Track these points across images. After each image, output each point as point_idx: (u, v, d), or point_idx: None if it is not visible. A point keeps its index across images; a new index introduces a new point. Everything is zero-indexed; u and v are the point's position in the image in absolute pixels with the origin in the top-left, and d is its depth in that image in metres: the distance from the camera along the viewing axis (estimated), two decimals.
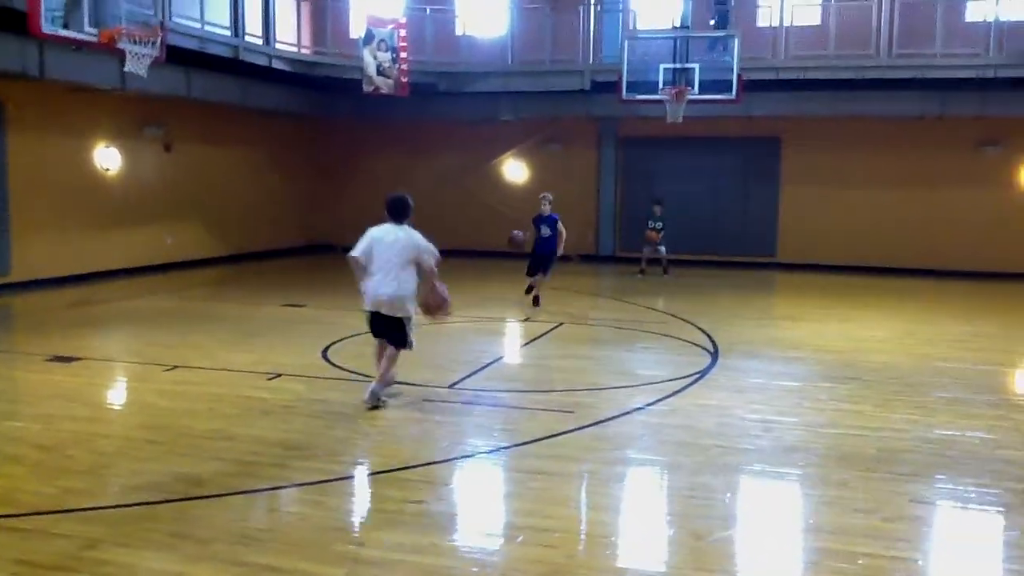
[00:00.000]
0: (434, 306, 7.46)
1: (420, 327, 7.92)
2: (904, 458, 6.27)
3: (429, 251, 7.26)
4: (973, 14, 17.10)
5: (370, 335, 7.55)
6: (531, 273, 12.95)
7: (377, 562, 4.56)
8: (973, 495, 5.61)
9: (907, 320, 12.72)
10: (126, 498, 5.29)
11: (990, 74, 16.19)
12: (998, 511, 5.41)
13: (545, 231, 12.73)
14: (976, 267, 18.16)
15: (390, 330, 7.23)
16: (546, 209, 12.82)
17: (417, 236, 7.32)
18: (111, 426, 7.08)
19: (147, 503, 5.21)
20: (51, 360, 9.04)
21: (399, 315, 7.19)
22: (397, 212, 7.36)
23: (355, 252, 7.39)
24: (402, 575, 4.41)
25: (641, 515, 5.43)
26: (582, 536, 4.99)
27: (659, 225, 17.60)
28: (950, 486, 5.78)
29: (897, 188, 18.93)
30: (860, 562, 4.57)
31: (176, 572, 4.31)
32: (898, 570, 4.50)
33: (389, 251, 7.20)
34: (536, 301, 12.88)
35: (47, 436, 6.52)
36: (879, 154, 18.92)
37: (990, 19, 16.31)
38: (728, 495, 5.62)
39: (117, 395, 8.35)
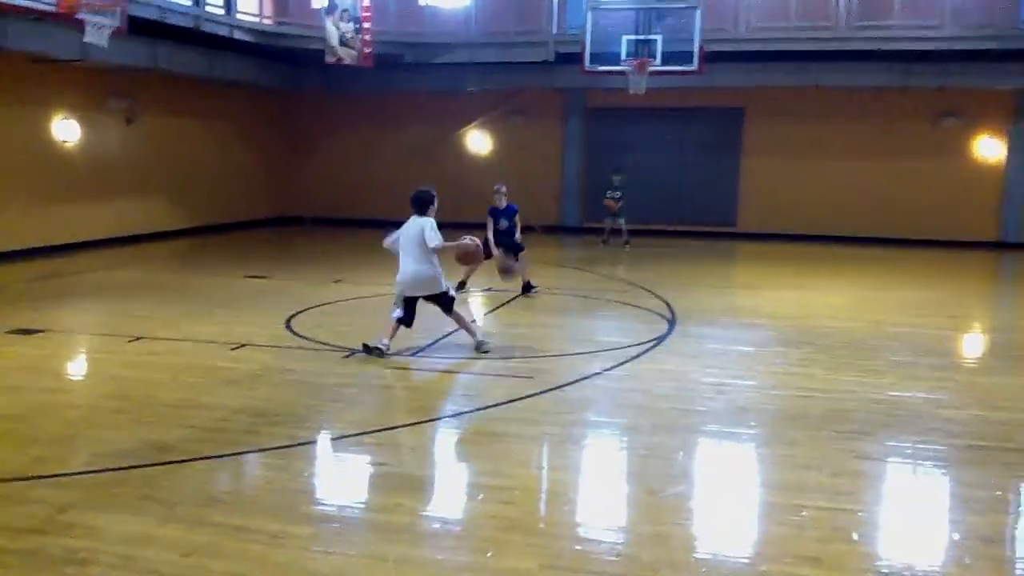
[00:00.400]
0: (464, 256, 8.57)
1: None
2: (851, 417, 6.53)
3: (430, 226, 7.96)
4: None
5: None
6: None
7: (343, 520, 4.74)
8: (915, 451, 5.88)
9: (863, 288, 13.06)
10: (95, 464, 5.40)
11: (948, 46, 16.48)
12: (938, 466, 5.69)
13: (503, 224, 11.55)
14: (935, 236, 18.61)
15: (432, 303, 8.26)
16: (502, 201, 11.61)
17: (425, 221, 8.02)
18: (78, 396, 7.16)
19: (116, 469, 5.33)
20: (14, 333, 9.05)
21: (425, 293, 8.13)
22: (417, 205, 8.15)
23: (385, 243, 8.31)
24: (367, 533, 4.59)
25: (598, 474, 5.64)
26: (541, 494, 5.19)
27: (617, 195, 17.76)
28: (893, 443, 6.04)
29: (858, 159, 19.26)
30: (804, 514, 4.81)
31: (145, 533, 4.44)
32: (840, 520, 4.74)
33: (406, 239, 8.06)
34: (528, 288, 11.70)
35: (15, 406, 6.59)
36: (841, 125, 19.23)
37: None
38: (682, 454, 5.85)
39: (83, 366, 8.42)
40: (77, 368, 8.35)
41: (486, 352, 8.26)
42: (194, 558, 4.18)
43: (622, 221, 17.75)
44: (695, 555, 4.38)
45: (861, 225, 19.07)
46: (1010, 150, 18.56)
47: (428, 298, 8.19)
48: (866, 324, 10.23)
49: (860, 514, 4.91)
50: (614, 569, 4.19)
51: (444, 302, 8.21)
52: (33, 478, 5.19)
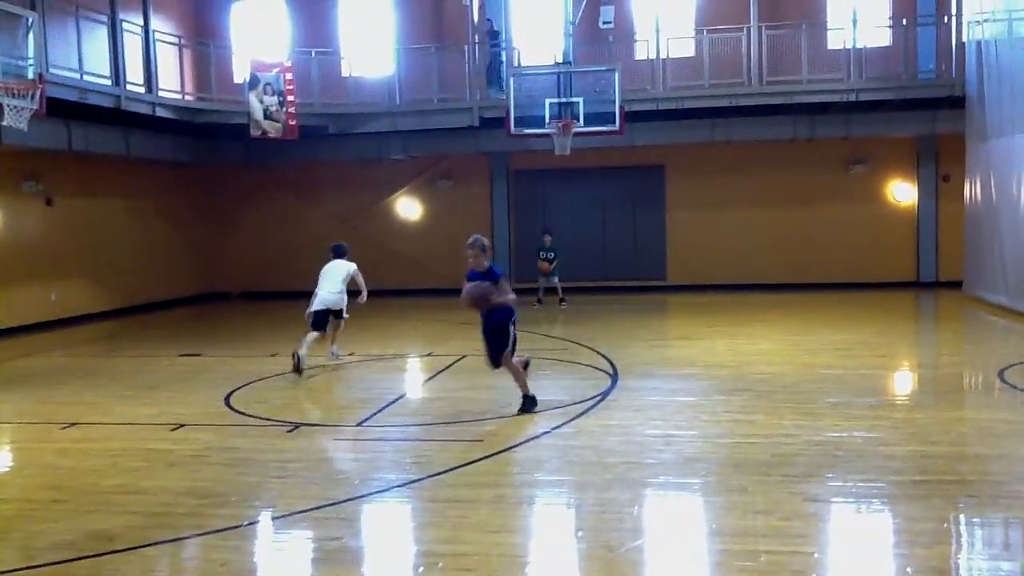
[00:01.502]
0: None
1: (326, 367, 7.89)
2: (796, 461, 6.66)
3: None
4: (834, 41, 18.23)
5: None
6: (495, 361, 8.40)
7: None
8: (861, 489, 6.02)
9: (791, 332, 13.40)
10: (37, 559, 5.17)
11: (853, 97, 17.30)
12: (884, 502, 5.83)
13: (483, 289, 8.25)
14: (851, 279, 19.27)
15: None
16: (482, 262, 8.27)
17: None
18: (10, 489, 6.87)
19: (59, 562, 5.11)
20: None
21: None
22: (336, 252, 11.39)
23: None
24: None
25: (554, 533, 5.63)
26: (501, 558, 5.15)
27: (551, 255, 17.91)
28: (839, 483, 6.17)
29: (775, 208, 19.92)
30: (762, 559, 4.87)
31: None
32: (797, 564, 4.81)
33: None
34: (525, 365, 8.72)
35: None
36: (757, 176, 19.90)
37: (849, 45, 17.43)
38: (636, 508, 5.88)
39: (13, 457, 8.08)
40: (7, 459, 8.02)
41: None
42: None
43: (556, 280, 17.90)
44: None
45: (784, 272, 19.63)
46: (920, 193, 19.42)
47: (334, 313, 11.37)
48: (798, 368, 10.49)
49: (816, 556, 4.99)
50: None
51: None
52: None
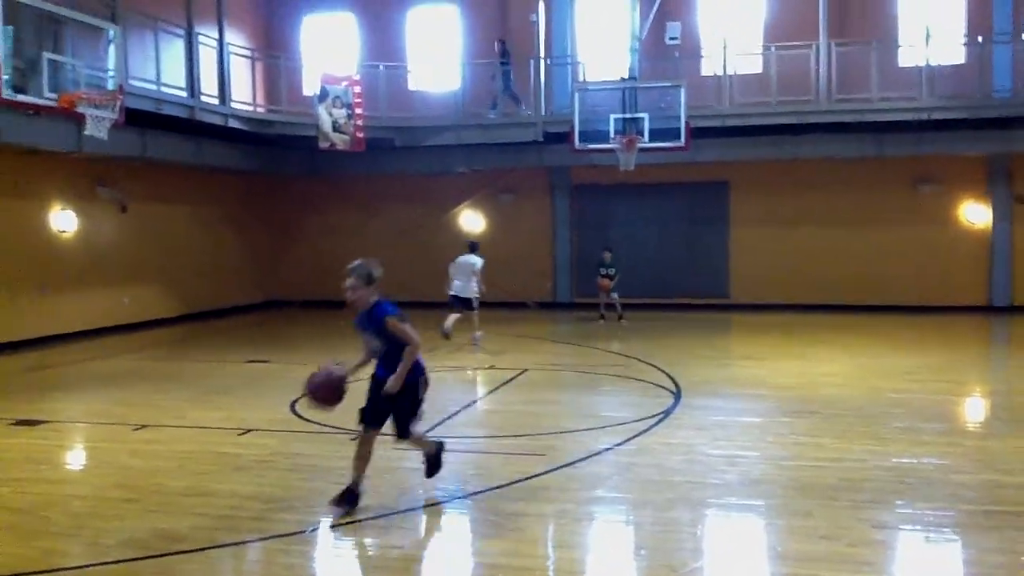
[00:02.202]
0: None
1: None
2: (864, 486, 6.52)
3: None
4: (906, 59, 17.90)
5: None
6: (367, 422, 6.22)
7: None
8: (930, 518, 5.87)
9: (858, 355, 13.12)
10: (107, 555, 5.31)
11: (924, 116, 16.94)
12: (954, 532, 5.67)
13: (373, 343, 6.15)
14: (917, 301, 18.81)
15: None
16: (365, 298, 6.03)
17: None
18: (84, 487, 7.06)
19: (127, 560, 5.24)
20: (15, 424, 8.97)
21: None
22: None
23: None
24: None
25: (615, 551, 5.59)
26: (560, 573, 5.13)
27: (611, 271, 17.80)
28: (908, 510, 6.03)
29: (841, 227, 19.56)
30: None
31: None
32: None
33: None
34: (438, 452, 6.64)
35: (20, 499, 6.50)
36: (822, 195, 19.58)
37: (922, 64, 17.09)
38: (698, 528, 5.81)
39: (87, 456, 8.32)
40: (82, 458, 8.25)
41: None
42: None
43: (615, 296, 17.79)
44: None
45: (851, 292, 19.25)
46: (995, 214, 18.90)
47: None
48: (866, 391, 10.27)
49: None
50: None
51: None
52: (42, 572, 5.10)
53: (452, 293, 14.36)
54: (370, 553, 5.54)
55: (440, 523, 6.10)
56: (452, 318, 14.04)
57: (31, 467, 7.41)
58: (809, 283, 19.54)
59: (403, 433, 6.19)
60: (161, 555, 5.33)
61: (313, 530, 5.80)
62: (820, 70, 17.23)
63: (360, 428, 6.17)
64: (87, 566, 5.20)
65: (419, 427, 6.31)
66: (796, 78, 17.47)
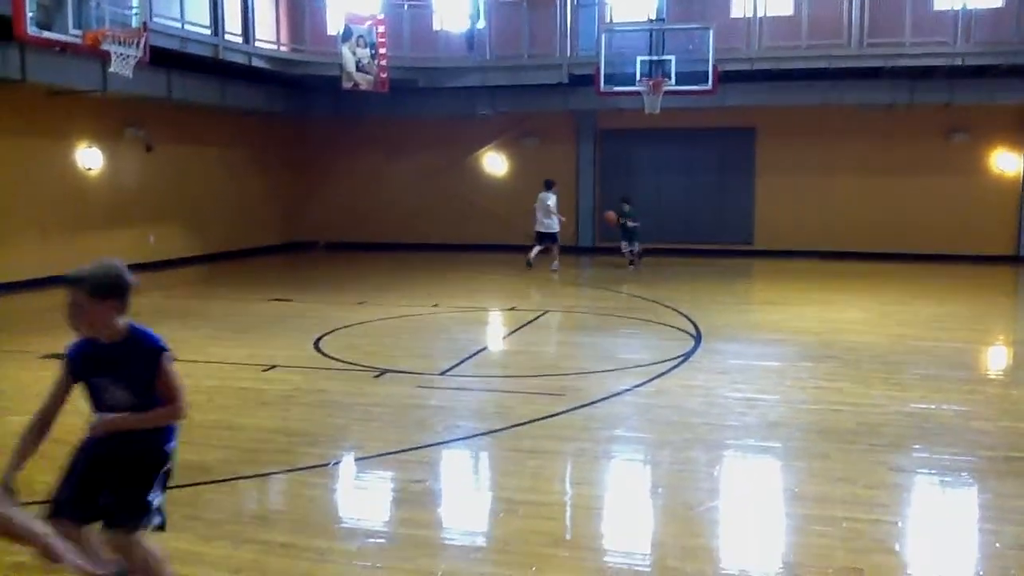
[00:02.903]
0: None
1: (414, 316, 7.99)
2: (882, 431, 6.54)
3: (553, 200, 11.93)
4: (941, 3, 17.45)
5: None
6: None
7: (387, 536, 4.78)
8: (948, 463, 5.88)
9: (882, 303, 13.06)
10: None
11: (958, 62, 16.58)
12: (971, 477, 5.69)
13: (116, 395, 3.73)
14: (946, 250, 18.61)
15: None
16: (106, 321, 3.65)
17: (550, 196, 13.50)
18: None
19: None
20: (45, 358, 9.15)
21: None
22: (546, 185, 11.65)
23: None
24: (412, 548, 4.62)
25: (634, 489, 5.67)
26: (578, 508, 5.22)
27: (628, 222, 17.38)
28: (926, 455, 6.05)
29: (869, 175, 19.32)
30: (843, 525, 4.83)
31: (192, 551, 4.48)
32: (878, 532, 4.75)
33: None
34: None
35: (54, 429, 6.64)
36: (851, 142, 19.31)
37: (958, 7, 16.66)
38: (716, 468, 5.87)
39: None
40: None
41: None
42: (244, 575, 4.23)
43: (628, 245, 17.55)
44: (735, 568, 4.39)
45: (877, 241, 19.09)
46: None
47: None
48: (889, 339, 10.24)
49: (898, 525, 4.93)
50: None
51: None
52: None
53: (536, 229, 16.48)
54: (391, 486, 5.65)
55: (460, 459, 6.20)
56: (535, 249, 16.32)
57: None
58: (835, 231, 19.38)
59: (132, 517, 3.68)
60: (191, 484, 5.45)
61: (336, 463, 5.92)
62: (852, 13, 16.86)
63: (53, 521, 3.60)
64: None
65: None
66: (828, 21, 17.10)
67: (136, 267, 14.26)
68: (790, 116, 19.09)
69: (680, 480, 5.64)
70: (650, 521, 5.09)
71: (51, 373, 8.29)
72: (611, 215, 17.59)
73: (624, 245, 17.72)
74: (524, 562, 4.43)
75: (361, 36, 17.05)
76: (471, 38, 18.37)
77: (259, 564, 4.34)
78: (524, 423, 6.73)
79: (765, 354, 9.37)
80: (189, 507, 5.10)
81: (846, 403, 7.31)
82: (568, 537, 4.72)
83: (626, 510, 5.28)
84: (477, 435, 6.53)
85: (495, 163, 21.31)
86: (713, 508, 5.18)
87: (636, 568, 4.37)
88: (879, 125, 18.98)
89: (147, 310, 12.61)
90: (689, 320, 11.16)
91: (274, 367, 8.59)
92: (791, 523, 5.02)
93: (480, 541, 4.72)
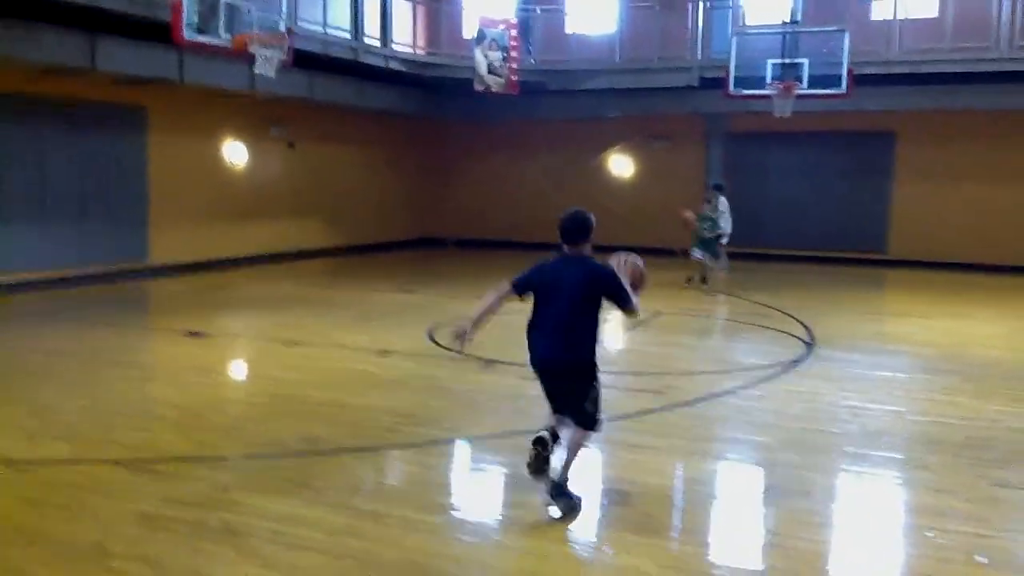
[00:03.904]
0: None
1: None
2: (991, 445, 6.33)
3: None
4: None
5: None
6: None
7: (473, 512, 5.04)
8: None
9: (1019, 317, 12.44)
10: (252, 451, 5.92)
11: None
12: None
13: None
14: None
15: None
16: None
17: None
18: (238, 392, 7.81)
19: (270, 456, 5.82)
20: (186, 335, 9.90)
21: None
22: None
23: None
24: (495, 524, 4.86)
25: (724, 485, 5.71)
26: (667, 501, 5.32)
27: (706, 226, 14.92)
28: None
29: (1015, 184, 18.32)
30: (930, 535, 4.77)
31: (294, 513, 4.85)
32: (969, 544, 4.65)
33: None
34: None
35: (183, 399, 7.25)
36: (995, 149, 18.36)
37: None
38: (807, 472, 5.84)
39: (243, 367, 9.13)
40: (239, 368, 9.06)
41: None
42: (336, 537, 4.55)
43: (699, 255, 14.91)
44: (822, 569, 4.41)
45: (1019, 253, 18.07)
46: None
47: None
48: (1020, 354, 9.78)
49: (993, 540, 4.80)
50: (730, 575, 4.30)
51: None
52: (197, 459, 5.73)
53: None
54: (486, 468, 5.91)
55: (556, 448, 6.36)
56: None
57: (195, 372, 8.21)
58: (976, 241, 18.47)
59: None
60: (299, 454, 5.88)
61: (436, 443, 6.20)
62: (1002, 14, 16.06)
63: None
64: (236, 459, 5.81)
65: None
66: (975, 23, 16.36)
67: (274, 256, 15.29)
68: (933, 120, 18.32)
69: (772, 480, 5.67)
70: (738, 518, 5.14)
71: (191, 350, 9.08)
72: (689, 216, 15.02)
73: (696, 253, 14.95)
74: (603, 545, 4.59)
75: (494, 39, 17.45)
76: None
77: (352, 528, 4.66)
78: (622, 418, 6.84)
79: (880, 364, 9.12)
80: (297, 474, 5.50)
81: (958, 416, 7.08)
82: (651, 526, 4.82)
83: (714, 505, 5.34)
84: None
85: (624, 165, 21.36)
86: (803, 510, 5.17)
87: (715, 562, 4.46)
88: None
89: (281, 296, 13.47)
90: (805, 327, 10.96)
91: (390, 353, 9.01)
92: (884, 530, 4.97)
93: (556, 523, 4.89)
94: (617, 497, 5.27)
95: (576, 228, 5.07)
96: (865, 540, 4.81)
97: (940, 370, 8.86)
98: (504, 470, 5.74)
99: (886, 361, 9.34)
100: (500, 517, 5.03)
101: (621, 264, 5.18)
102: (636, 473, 5.70)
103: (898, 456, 6.15)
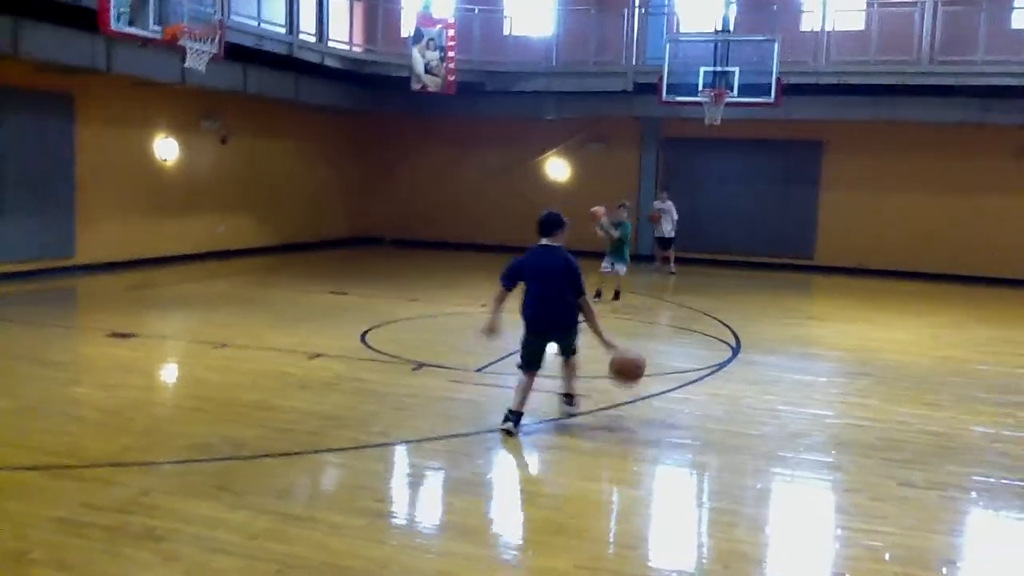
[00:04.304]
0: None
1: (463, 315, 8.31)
2: (901, 447, 6.61)
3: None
4: (1019, 21, 17.11)
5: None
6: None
7: (398, 516, 5.10)
8: (961, 481, 5.94)
9: (935, 324, 12.92)
10: (176, 455, 5.88)
11: None
12: (984, 496, 5.73)
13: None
14: (1011, 275, 18.19)
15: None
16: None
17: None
18: (164, 394, 7.72)
19: (194, 460, 5.79)
20: (111, 336, 9.73)
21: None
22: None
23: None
24: (418, 528, 4.92)
25: (642, 486, 5.86)
26: (586, 502, 5.44)
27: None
28: (939, 472, 6.09)
29: (936, 194, 19.00)
30: (839, 533, 4.97)
31: (216, 517, 4.85)
32: (872, 540, 4.87)
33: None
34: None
35: (108, 401, 7.16)
36: (920, 159, 19.02)
37: None
38: (724, 473, 6.03)
39: (170, 368, 9.01)
40: (165, 370, 8.95)
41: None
42: (259, 540, 4.57)
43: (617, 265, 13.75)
44: (737, 568, 4.57)
45: (942, 261, 18.74)
46: None
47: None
48: (932, 360, 10.18)
49: (897, 538, 5.02)
50: (647, 573, 4.43)
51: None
52: (120, 464, 5.68)
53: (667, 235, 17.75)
54: (411, 471, 5.97)
55: (480, 450, 6.44)
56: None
57: (120, 374, 8.09)
58: (899, 249, 19.11)
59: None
60: (224, 459, 5.86)
61: (362, 447, 6.23)
62: (924, 30, 16.65)
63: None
64: (160, 463, 5.77)
65: None
66: (899, 37, 16.94)
67: (207, 255, 15.13)
68: (858, 130, 18.90)
69: (689, 481, 5.84)
70: (653, 518, 5.29)
71: (117, 350, 8.95)
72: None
73: (607, 264, 13.63)
74: (521, 547, 4.69)
75: (432, 39, 17.48)
76: None
77: (275, 532, 4.68)
78: (547, 421, 6.97)
79: (800, 368, 9.42)
80: (221, 477, 5.49)
81: (870, 418, 7.36)
82: (569, 526, 4.93)
83: (631, 505, 5.49)
84: (496, 429, 6.76)
85: (559, 166, 21.55)
86: (716, 509, 5.35)
87: (629, 559, 4.59)
88: (948, 143, 18.65)
89: (212, 295, 13.31)
90: (732, 331, 11.24)
91: (319, 355, 8.99)
92: (791, 527, 5.17)
93: (483, 526, 4.98)
94: (540, 500, 5.38)
95: (552, 223, 6.77)
96: (780, 540, 5.01)
97: (855, 373, 9.19)
98: (432, 474, 5.81)
99: (804, 365, 9.65)
100: (426, 521, 5.11)
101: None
102: (559, 476, 5.83)
103: (813, 457, 6.37)
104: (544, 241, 6.73)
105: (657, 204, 18.34)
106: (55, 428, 6.40)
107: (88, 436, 6.28)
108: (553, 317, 6.75)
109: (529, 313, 6.74)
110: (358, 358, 9.03)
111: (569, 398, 7.13)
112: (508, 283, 6.74)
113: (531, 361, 6.73)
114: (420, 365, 8.65)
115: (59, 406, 7.03)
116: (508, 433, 6.49)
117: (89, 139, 15.00)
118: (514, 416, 6.56)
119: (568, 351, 6.95)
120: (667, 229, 18.25)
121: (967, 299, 16.09)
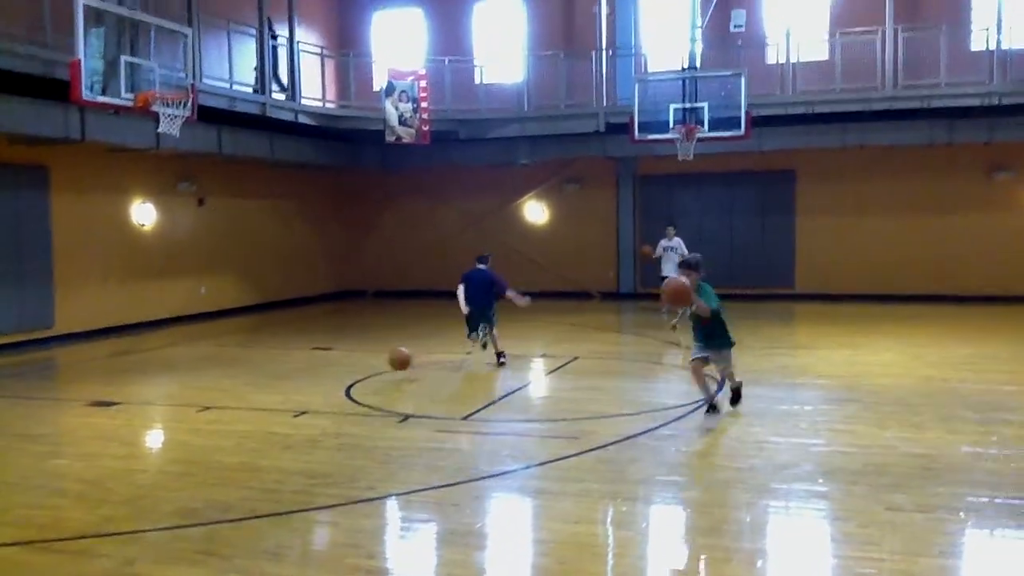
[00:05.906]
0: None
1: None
2: (887, 471, 6.61)
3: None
4: (977, 43, 17.47)
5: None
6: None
7: (389, 572, 5.04)
8: (947, 502, 5.94)
9: (916, 344, 13.00)
10: (160, 522, 5.81)
11: (996, 101, 16.54)
12: (970, 516, 5.73)
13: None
14: (989, 291, 18.38)
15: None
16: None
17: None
18: (147, 462, 7.64)
19: (179, 527, 5.72)
20: (92, 405, 9.65)
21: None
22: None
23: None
24: None
25: (632, 527, 5.84)
26: (574, 546, 5.41)
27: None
28: (926, 494, 6.09)
29: (910, 215, 19.23)
30: (832, 563, 4.96)
31: None
32: (864, 567, 4.85)
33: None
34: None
35: (89, 472, 7.08)
36: (891, 183, 19.29)
37: (993, 48, 16.68)
38: (715, 508, 6.01)
39: (153, 435, 8.93)
40: (148, 436, 8.86)
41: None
42: None
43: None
44: None
45: (919, 282, 18.91)
46: None
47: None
48: (916, 380, 10.24)
49: (884, 562, 5.01)
50: None
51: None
52: (102, 535, 5.61)
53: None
54: (400, 525, 5.92)
55: (468, 499, 6.41)
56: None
57: (101, 444, 8.02)
58: (877, 273, 19.28)
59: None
60: (210, 523, 5.80)
61: (351, 503, 6.18)
62: (887, 56, 16.98)
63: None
64: (143, 531, 5.70)
65: None
66: (863, 65, 17.25)
67: (188, 318, 15.08)
68: (829, 158, 19.16)
69: (680, 519, 5.81)
70: (646, 558, 5.26)
71: (99, 420, 8.87)
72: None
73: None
74: None
75: (404, 91, 17.66)
76: None
77: None
78: (534, 465, 6.95)
79: (785, 398, 9.44)
80: (207, 542, 5.43)
81: (857, 444, 7.38)
82: (559, 571, 4.90)
83: (622, 547, 5.46)
84: (487, 477, 6.75)
85: (537, 210, 21.68)
86: (709, 546, 5.33)
87: None
88: (920, 164, 18.93)
89: (194, 358, 13.25)
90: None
91: (304, 412, 8.95)
92: (785, 559, 5.15)
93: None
94: (532, 547, 5.34)
95: (482, 259, 12.05)
96: (773, 573, 4.98)
97: (840, 400, 9.22)
98: (422, 526, 5.77)
99: (789, 395, 9.67)
100: (417, 573, 5.04)
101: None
102: (550, 521, 5.79)
103: (802, 487, 6.36)
104: (479, 266, 11.88)
105: (664, 243, 16.91)
106: (36, 502, 6.32)
107: (69, 508, 6.20)
108: (479, 303, 11.47)
109: (469, 302, 11.50)
110: (344, 413, 8.99)
111: (500, 355, 11.59)
112: (462, 283, 11.63)
113: (473, 327, 11.61)
114: (406, 416, 8.62)
115: (40, 479, 6.95)
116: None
117: (65, 208, 15.00)
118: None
119: (489, 325, 11.54)
120: (671, 269, 15.51)
121: (945, 318, 16.22)
